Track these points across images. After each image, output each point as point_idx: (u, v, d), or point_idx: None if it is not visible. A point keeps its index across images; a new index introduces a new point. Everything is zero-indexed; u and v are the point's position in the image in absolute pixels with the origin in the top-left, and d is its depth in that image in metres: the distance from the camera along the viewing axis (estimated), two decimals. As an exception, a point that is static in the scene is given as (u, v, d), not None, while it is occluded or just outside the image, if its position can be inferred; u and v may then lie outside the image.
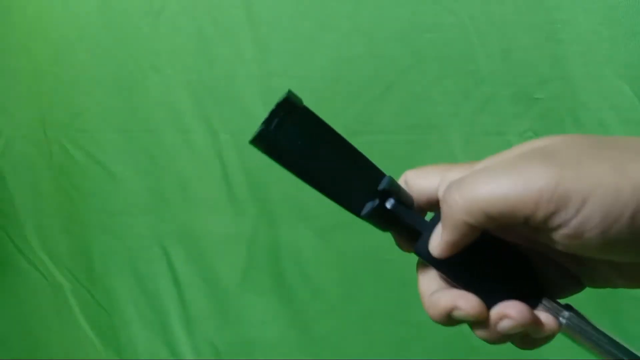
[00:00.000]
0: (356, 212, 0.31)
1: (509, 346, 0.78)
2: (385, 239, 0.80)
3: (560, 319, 0.29)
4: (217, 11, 0.78)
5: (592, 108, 0.65)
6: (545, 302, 0.29)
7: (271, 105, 0.28)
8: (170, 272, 0.89)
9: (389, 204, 0.31)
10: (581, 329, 0.29)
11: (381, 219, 0.31)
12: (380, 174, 0.31)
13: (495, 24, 0.66)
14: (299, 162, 0.30)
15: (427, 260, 0.30)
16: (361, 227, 0.83)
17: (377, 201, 0.31)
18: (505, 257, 0.30)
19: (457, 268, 0.29)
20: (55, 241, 0.96)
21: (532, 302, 0.29)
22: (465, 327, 0.77)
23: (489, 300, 0.28)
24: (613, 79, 0.64)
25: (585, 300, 0.69)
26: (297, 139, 0.30)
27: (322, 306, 0.81)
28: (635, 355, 0.28)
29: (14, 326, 1.03)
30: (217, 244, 0.85)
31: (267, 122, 0.29)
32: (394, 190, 0.31)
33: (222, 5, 0.77)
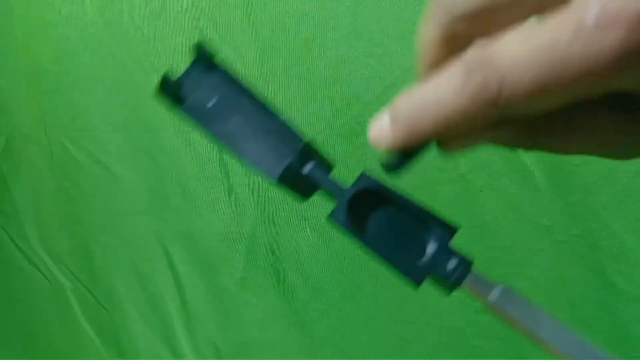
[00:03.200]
0: (271, 176, 0.29)
1: (508, 346, 0.78)
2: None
3: (490, 296, 0.27)
4: (217, 11, 0.78)
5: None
6: (473, 275, 0.27)
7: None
8: (170, 271, 0.89)
9: (305, 169, 0.29)
10: (514, 309, 0.27)
11: (295, 184, 0.29)
12: (299, 139, 0.29)
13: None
14: (210, 121, 0.28)
15: (344, 228, 0.28)
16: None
17: (288, 162, 0.28)
18: (424, 222, 0.28)
19: (376, 236, 0.28)
20: (56, 241, 0.96)
21: (459, 274, 0.27)
22: (465, 326, 0.76)
23: (413, 274, 0.27)
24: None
25: (583, 300, 0.69)
26: (209, 95, 0.28)
27: (322, 306, 0.81)
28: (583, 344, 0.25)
29: (14, 326, 1.03)
30: (217, 244, 0.85)
31: (174, 77, 0.27)
32: (312, 154, 0.29)
33: (222, 5, 0.78)
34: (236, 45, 0.77)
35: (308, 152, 0.29)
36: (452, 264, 0.28)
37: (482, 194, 0.70)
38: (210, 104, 0.28)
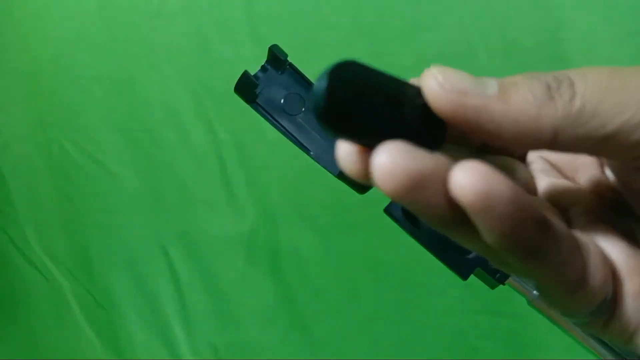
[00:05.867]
0: (332, 170, 0.31)
1: (508, 346, 0.77)
2: (385, 240, 0.79)
3: (534, 291, 0.29)
4: (216, 10, 0.78)
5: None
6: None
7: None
8: (169, 272, 0.89)
9: None
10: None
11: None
12: None
13: (497, 23, 0.65)
14: (280, 116, 0.31)
15: (398, 222, 0.30)
16: (361, 227, 0.82)
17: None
18: None
19: (427, 231, 0.30)
20: (55, 241, 0.96)
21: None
22: (465, 327, 0.76)
23: (460, 269, 0.29)
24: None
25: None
26: (280, 92, 0.31)
27: (322, 306, 0.81)
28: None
29: (13, 326, 1.03)
30: (216, 244, 0.85)
31: (249, 75, 0.30)
32: None
33: (222, 5, 0.77)
34: (235, 44, 0.77)
35: None
36: None
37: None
38: (281, 100, 0.31)
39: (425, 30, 0.68)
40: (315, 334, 0.82)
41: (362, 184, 0.33)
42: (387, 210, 0.30)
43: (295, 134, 0.31)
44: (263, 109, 0.31)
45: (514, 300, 0.69)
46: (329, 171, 0.31)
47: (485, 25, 0.66)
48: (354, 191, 0.32)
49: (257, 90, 0.31)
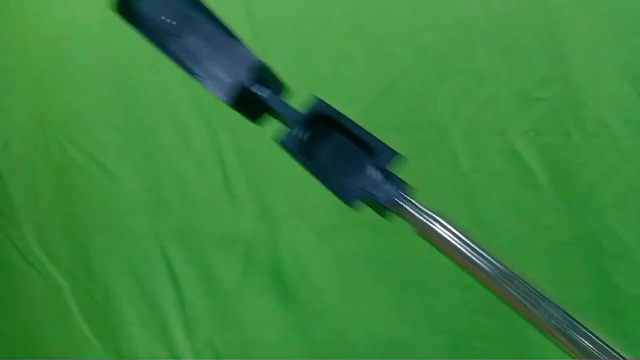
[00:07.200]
0: (226, 98, 0.29)
1: (509, 346, 0.77)
2: (385, 240, 0.79)
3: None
4: (217, 10, 0.78)
5: (594, 108, 0.65)
6: (406, 199, 0.28)
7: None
8: (169, 272, 0.89)
9: (255, 88, 0.29)
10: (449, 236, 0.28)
11: (246, 105, 0.29)
12: (254, 59, 0.29)
13: (497, 23, 0.65)
14: (167, 38, 0.29)
15: (292, 154, 0.29)
16: (361, 227, 0.82)
17: (242, 83, 0.28)
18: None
19: (320, 160, 0.29)
20: (54, 241, 0.95)
21: (392, 196, 0.28)
22: (465, 327, 0.76)
23: (346, 194, 0.28)
24: (614, 79, 0.64)
25: (586, 301, 0.69)
26: (166, 10, 0.28)
27: (322, 307, 0.81)
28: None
29: (13, 326, 1.03)
30: (216, 244, 0.85)
31: None
32: (263, 73, 0.29)
33: (222, 5, 0.77)
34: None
35: (263, 73, 0.29)
36: (387, 186, 0.28)
37: (484, 194, 0.69)
38: (166, 19, 0.28)
39: (425, 30, 0.68)
40: (315, 334, 0.82)
41: (254, 113, 0.31)
42: (281, 142, 0.28)
43: (182, 59, 0.29)
44: (145, 30, 0.28)
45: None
46: (221, 100, 0.29)
47: (485, 25, 0.66)
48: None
49: (139, 9, 0.27)
